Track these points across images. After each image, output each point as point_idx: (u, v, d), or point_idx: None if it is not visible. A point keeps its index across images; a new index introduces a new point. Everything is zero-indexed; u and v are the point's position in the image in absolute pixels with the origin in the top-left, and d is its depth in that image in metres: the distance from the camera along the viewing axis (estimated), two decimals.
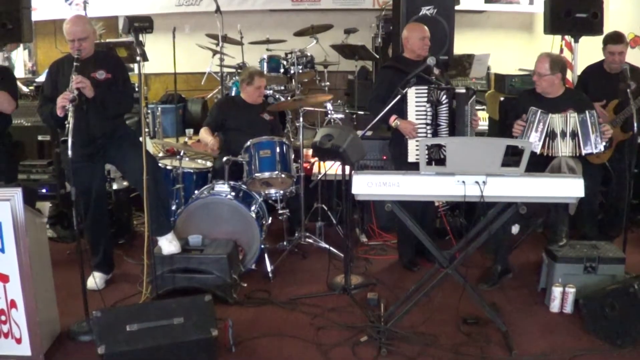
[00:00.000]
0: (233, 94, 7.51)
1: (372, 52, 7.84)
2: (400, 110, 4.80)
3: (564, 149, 4.62)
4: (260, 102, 5.92)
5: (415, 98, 4.76)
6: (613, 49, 5.34)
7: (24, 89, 6.98)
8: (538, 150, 4.64)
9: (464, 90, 4.74)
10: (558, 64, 4.80)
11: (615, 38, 5.36)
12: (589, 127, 4.57)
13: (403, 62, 5.03)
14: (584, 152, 4.61)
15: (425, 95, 4.75)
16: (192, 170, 5.54)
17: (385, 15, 8.12)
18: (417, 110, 4.79)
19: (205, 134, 5.74)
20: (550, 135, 4.64)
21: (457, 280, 3.92)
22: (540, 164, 4.59)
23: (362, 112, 7.41)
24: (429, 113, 4.75)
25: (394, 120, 4.82)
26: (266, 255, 4.98)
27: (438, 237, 5.51)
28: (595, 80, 5.50)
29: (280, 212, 5.32)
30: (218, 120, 5.80)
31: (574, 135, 4.60)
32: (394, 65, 5.08)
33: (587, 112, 4.59)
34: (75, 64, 4.11)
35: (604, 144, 4.60)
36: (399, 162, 4.94)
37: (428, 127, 4.77)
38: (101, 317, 3.44)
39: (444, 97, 4.71)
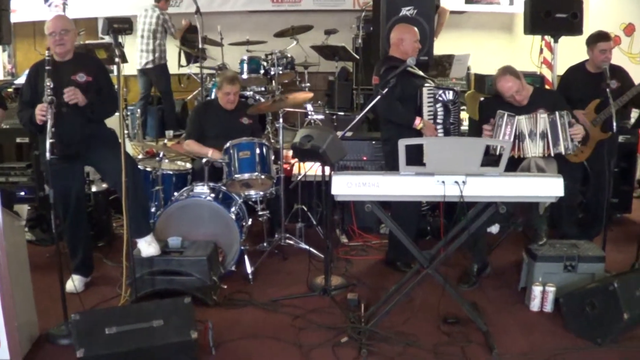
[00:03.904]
0: (213, 96, 7.47)
1: (352, 53, 7.85)
2: (418, 111, 4.83)
3: (533, 149, 4.58)
4: (231, 109, 5.76)
5: (427, 98, 4.78)
6: (605, 46, 5.28)
7: None
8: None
9: (457, 88, 4.81)
10: (515, 72, 4.75)
11: (605, 36, 5.32)
12: (559, 127, 4.52)
13: (398, 63, 4.99)
14: (552, 152, 4.55)
15: (433, 94, 4.77)
16: (171, 172, 5.50)
17: (366, 16, 8.13)
18: (428, 110, 4.80)
19: (196, 147, 5.60)
20: (519, 137, 4.61)
21: (437, 280, 3.93)
22: (509, 165, 4.55)
23: (342, 113, 7.41)
24: (439, 113, 4.77)
25: (420, 122, 4.79)
26: (246, 257, 4.96)
27: (420, 237, 5.51)
28: (578, 81, 5.45)
29: (260, 213, 5.29)
30: (198, 128, 5.71)
31: (544, 135, 4.56)
32: (395, 66, 4.99)
33: (557, 112, 4.55)
34: (47, 67, 3.91)
35: (574, 143, 4.57)
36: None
37: (439, 127, 4.79)
38: (80, 320, 3.40)
39: (455, 95, 4.75)
